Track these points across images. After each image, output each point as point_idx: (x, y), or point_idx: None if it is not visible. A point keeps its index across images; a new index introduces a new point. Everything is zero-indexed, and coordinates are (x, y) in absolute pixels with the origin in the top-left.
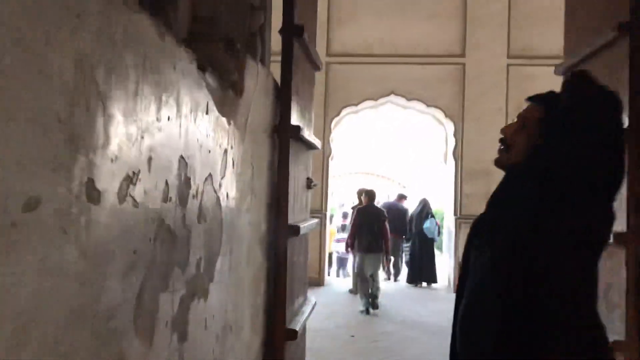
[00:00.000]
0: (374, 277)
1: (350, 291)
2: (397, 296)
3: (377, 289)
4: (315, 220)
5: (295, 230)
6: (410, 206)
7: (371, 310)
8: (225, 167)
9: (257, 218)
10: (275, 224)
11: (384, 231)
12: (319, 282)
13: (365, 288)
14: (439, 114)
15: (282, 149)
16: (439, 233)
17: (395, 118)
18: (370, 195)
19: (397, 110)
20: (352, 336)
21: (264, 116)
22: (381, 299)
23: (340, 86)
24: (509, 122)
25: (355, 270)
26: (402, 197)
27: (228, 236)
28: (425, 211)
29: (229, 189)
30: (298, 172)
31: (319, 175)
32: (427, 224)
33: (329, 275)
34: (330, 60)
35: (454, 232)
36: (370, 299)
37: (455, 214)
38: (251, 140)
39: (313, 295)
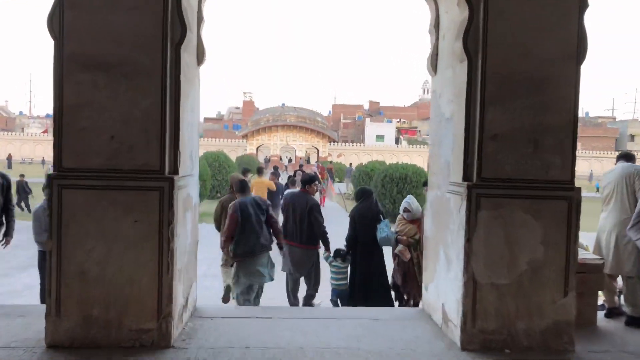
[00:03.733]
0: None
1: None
2: None
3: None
4: None
5: None
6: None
7: None
8: None
9: None
10: None
11: (272, 224)
12: (158, 341)
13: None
14: None
15: None
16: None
17: None
18: (240, 187)
19: None
20: None
21: None
22: None
23: None
24: None
25: (236, 282)
26: (310, 181)
27: None
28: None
29: None
30: None
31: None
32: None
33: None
34: None
35: (462, 214)
36: None
37: (467, 178)
38: None
39: None
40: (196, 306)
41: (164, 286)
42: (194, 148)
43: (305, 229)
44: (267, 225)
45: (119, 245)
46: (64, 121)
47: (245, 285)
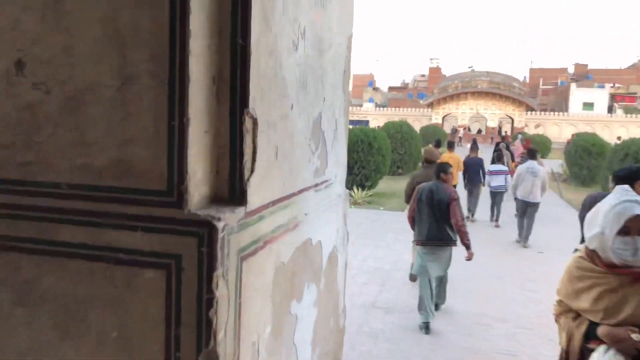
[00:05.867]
0: (441, 280)
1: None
2: None
3: (442, 295)
4: None
5: None
6: None
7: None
8: None
9: None
10: None
11: (453, 214)
12: None
13: (427, 291)
14: None
15: None
16: None
17: None
18: (438, 171)
19: None
20: None
21: None
22: None
23: None
24: None
25: (414, 271)
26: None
27: None
28: None
29: None
30: None
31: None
32: None
33: None
34: None
35: None
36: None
37: None
38: None
39: None
40: None
41: None
42: (330, 108)
43: None
44: (447, 218)
45: None
46: None
47: (419, 272)
